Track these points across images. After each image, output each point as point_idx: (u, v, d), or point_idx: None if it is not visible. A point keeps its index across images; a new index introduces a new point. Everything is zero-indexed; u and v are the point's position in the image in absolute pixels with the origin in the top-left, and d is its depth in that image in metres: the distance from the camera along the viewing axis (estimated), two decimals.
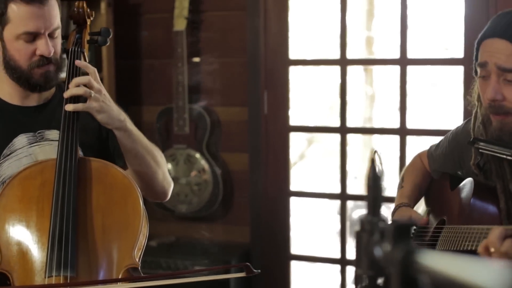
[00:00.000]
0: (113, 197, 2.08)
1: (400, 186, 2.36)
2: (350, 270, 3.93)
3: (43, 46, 2.08)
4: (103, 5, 3.88)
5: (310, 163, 6.74)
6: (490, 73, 1.95)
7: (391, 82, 5.03)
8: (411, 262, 0.88)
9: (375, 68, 4.95)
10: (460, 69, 3.60)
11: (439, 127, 3.83)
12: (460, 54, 3.58)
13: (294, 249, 4.05)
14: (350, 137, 3.92)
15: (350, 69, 3.79)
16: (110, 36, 2.27)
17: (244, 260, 3.86)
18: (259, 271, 1.88)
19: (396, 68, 3.69)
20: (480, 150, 2.04)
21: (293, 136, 4.05)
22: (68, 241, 1.93)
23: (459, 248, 1.94)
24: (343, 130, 3.82)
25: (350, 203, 3.96)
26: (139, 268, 2.01)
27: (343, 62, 3.77)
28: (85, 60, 2.20)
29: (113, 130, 2.15)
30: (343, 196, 3.87)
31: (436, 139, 2.43)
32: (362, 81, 5.92)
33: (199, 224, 4.03)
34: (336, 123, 3.91)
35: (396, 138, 3.72)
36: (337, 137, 3.88)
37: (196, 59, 3.97)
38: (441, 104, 6.28)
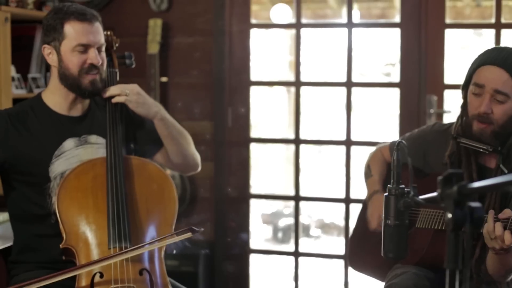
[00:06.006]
0: (152, 186, 2.55)
1: (370, 175, 2.86)
2: (302, 261, 4.51)
3: (93, 56, 2.50)
4: None
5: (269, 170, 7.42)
6: (484, 92, 2.49)
7: (338, 101, 5.67)
8: (464, 191, 1.31)
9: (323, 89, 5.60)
10: (396, 91, 4.22)
11: (378, 140, 4.48)
12: (397, 78, 4.20)
13: (253, 244, 4.62)
14: (303, 147, 4.52)
15: (303, 89, 4.42)
16: (133, 59, 2.81)
17: (209, 254, 4.42)
18: (202, 229, 2.32)
19: (343, 89, 4.31)
20: (461, 144, 2.56)
21: (253, 146, 4.63)
22: (125, 219, 2.39)
23: (434, 227, 2.50)
24: (297, 141, 4.44)
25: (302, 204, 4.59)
26: None
27: (298, 84, 4.39)
28: (117, 78, 2.70)
29: (153, 120, 2.64)
30: (297, 198, 4.46)
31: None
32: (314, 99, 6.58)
33: None
34: (292, 135, 4.51)
35: (343, 148, 4.34)
36: (292, 147, 4.49)
37: (165, 79, 4.50)
38: (380, 120, 6.98)
